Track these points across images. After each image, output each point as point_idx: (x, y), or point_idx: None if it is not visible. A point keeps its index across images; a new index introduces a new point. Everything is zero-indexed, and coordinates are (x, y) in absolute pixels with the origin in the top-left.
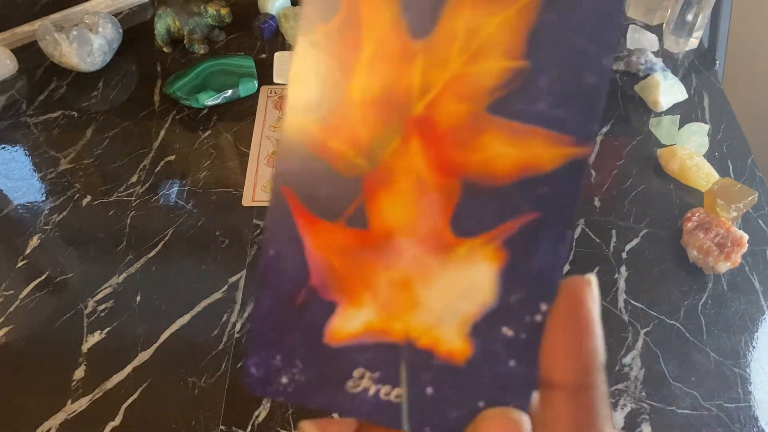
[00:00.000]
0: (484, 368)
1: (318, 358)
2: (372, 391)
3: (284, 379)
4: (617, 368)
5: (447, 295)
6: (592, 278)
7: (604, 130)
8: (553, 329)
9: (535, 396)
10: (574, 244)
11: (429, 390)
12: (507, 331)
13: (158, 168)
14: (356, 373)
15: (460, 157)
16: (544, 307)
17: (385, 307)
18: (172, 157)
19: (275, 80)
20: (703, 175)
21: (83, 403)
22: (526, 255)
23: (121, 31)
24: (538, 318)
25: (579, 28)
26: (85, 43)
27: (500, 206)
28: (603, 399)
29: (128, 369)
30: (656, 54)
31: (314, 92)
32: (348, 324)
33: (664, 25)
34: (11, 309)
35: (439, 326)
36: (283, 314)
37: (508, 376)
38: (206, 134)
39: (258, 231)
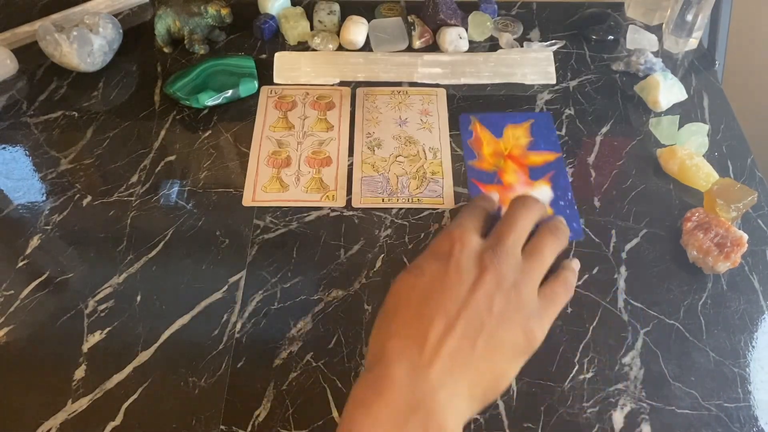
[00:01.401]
0: (560, 207)
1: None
2: None
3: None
4: (617, 368)
5: (538, 196)
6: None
7: (604, 130)
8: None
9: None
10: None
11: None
12: (559, 203)
13: (158, 168)
14: None
15: (523, 161)
16: (569, 194)
17: None
18: (172, 158)
19: (275, 80)
20: (702, 175)
21: (83, 403)
22: (556, 181)
23: (121, 31)
24: (569, 198)
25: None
26: (86, 43)
27: (541, 171)
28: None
29: (128, 369)
30: (656, 54)
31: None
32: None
33: (663, 25)
34: (12, 309)
35: None
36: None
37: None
38: (206, 134)
39: (258, 231)
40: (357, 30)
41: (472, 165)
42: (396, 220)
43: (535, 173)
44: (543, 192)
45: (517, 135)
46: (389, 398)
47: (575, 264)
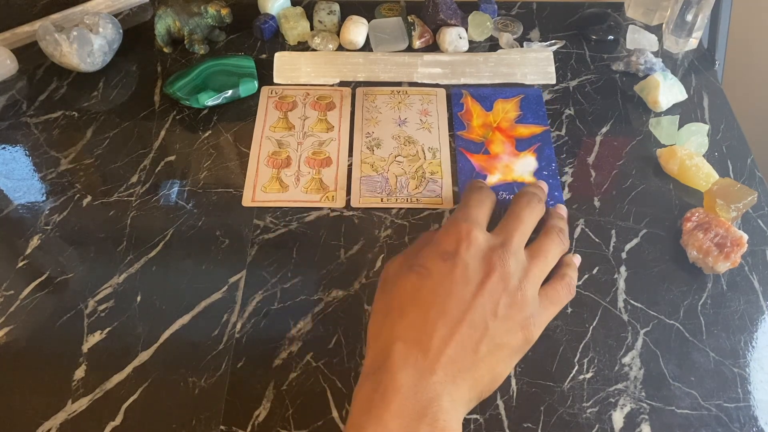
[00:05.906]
0: (544, 176)
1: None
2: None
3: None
4: (617, 368)
5: (521, 167)
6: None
7: (604, 130)
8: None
9: None
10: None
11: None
12: (543, 173)
13: (158, 168)
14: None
15: (511, 133)
16: (552, 165)
17: (503, 174)
18: (172, 158)
19: (275, 80)
20: (702, 175)
21: (83, 403)
22: (541, 152)
23: (121, 31)
24: (552, 168)
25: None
26: (86, 43)
27: (528, 143)
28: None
29: (128, 369)
30: (656, 54)
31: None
32: (492, 179)
33: (663, 25)
34: (11, 309)
35: (522, 174)
36: (470, 176)
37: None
38: (206, 134)
39: (258, 231)
40: (357, 30)
41: (460, 135)
42: (396, 221)
43: (521, 144)
44: (528, 162)
45: (507, 109)
46: (397, 407)
47: (576, 260)
